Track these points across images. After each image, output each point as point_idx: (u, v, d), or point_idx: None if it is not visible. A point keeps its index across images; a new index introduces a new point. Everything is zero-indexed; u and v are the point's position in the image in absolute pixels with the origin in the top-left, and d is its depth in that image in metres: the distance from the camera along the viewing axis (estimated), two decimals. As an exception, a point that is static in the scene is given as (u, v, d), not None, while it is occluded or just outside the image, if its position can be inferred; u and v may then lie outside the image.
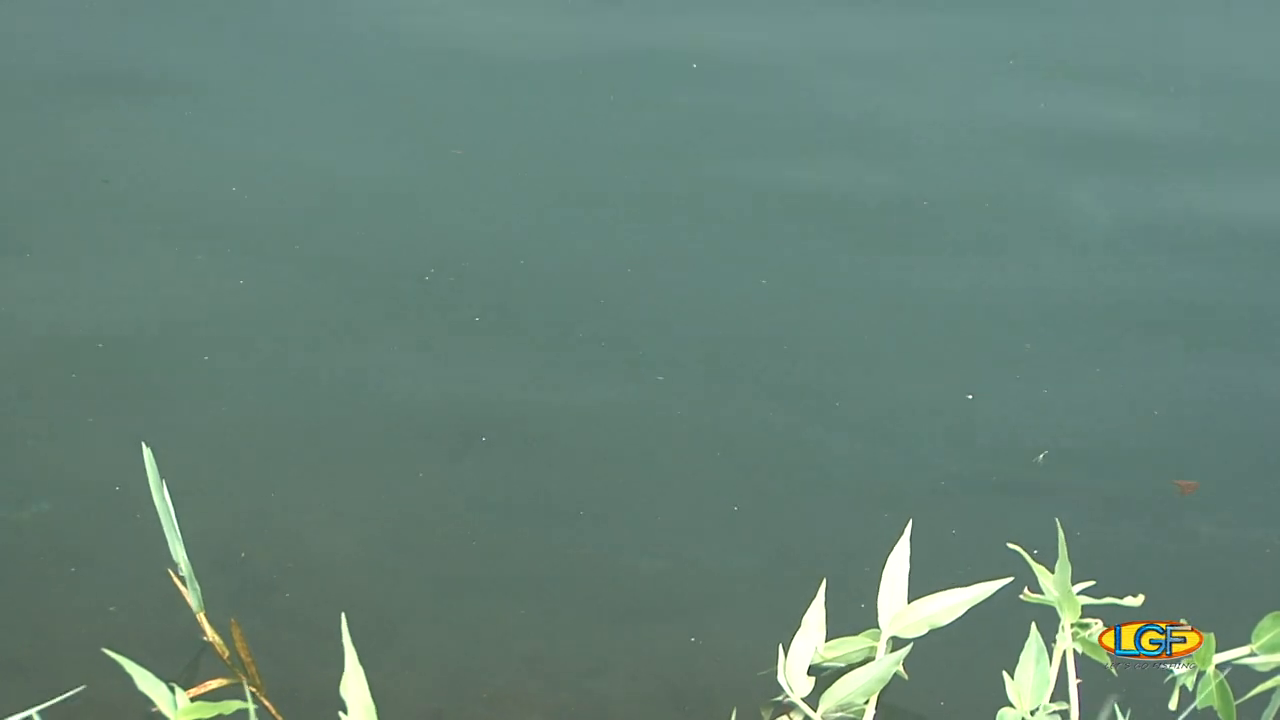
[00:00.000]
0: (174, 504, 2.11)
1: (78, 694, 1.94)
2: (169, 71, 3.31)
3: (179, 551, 2.14)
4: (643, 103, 3.29)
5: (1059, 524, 1.96)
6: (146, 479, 2.07)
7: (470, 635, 2.29)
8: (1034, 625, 1.91)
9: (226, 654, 2.22)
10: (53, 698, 1.82)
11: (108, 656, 1.55)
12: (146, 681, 1.48)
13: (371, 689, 1.49)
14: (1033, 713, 1.88)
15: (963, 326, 2.82)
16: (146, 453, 2.08)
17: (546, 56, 3.39)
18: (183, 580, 2.19)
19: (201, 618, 2.21)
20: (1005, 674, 1.90)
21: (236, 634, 2.24)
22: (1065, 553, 1.89)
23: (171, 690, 1.48)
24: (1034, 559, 1.97)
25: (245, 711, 1.57)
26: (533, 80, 3.33)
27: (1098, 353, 2.76)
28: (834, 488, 2.52)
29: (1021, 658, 1.90)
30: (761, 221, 3.01)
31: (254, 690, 2.18)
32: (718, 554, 2.40)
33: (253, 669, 2.21)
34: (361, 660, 1.48)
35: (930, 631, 2.05)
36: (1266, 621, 1.86)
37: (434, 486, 2.50)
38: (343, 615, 1.51)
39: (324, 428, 2.58)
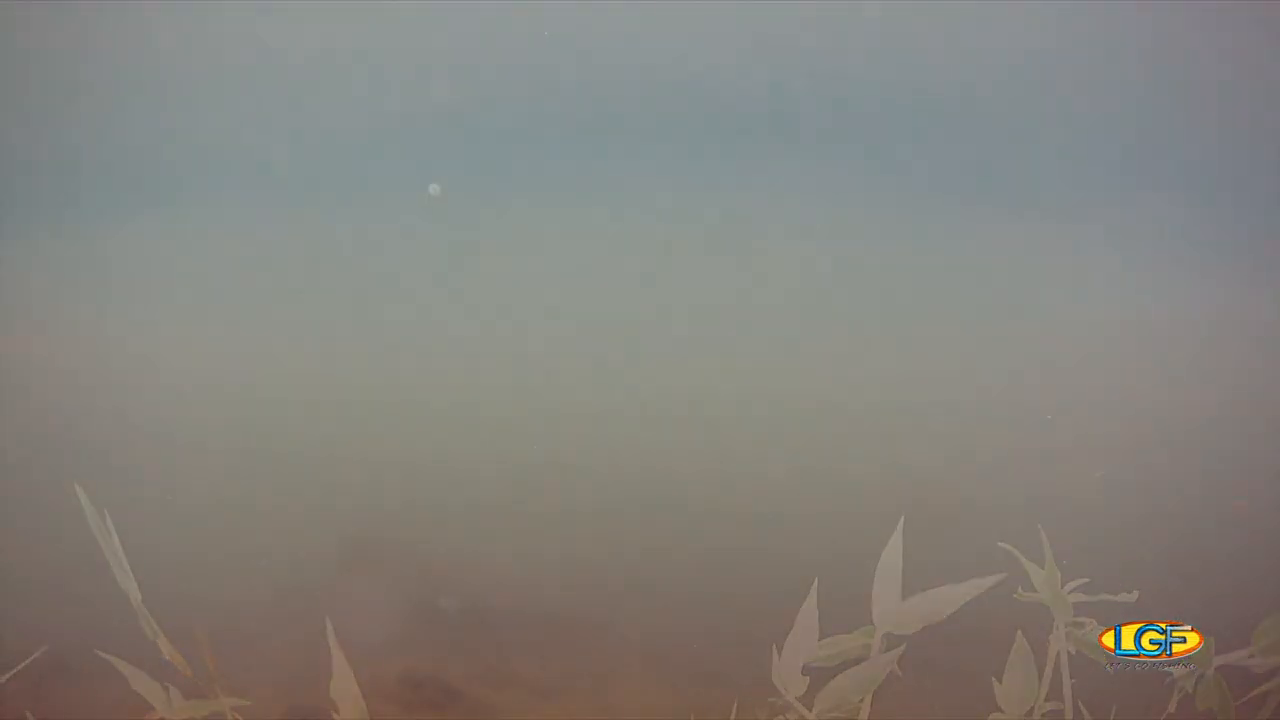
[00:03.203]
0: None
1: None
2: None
3: (129, 585, 2.08)
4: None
5: (1041, 529, 1.94)
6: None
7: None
8: (1019, 632, 1.89)
9: (190, 673, 2.17)
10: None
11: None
12: (139, 681, 1.46)
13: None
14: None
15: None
16: (80, 490, 2.03)
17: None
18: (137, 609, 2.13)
19: (160, 642, 2.16)
20: (994, 679, 1.88)
21: (202, 640, 2.20)
22: (1051, 555, 1.88)
23: (166, 690, 1.46)
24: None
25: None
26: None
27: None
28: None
29: (1009, 663, 1.89)
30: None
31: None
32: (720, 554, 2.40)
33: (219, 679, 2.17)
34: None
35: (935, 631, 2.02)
36: (1267, 623, 1.86)
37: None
38: (327, 619, 1.49)
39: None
